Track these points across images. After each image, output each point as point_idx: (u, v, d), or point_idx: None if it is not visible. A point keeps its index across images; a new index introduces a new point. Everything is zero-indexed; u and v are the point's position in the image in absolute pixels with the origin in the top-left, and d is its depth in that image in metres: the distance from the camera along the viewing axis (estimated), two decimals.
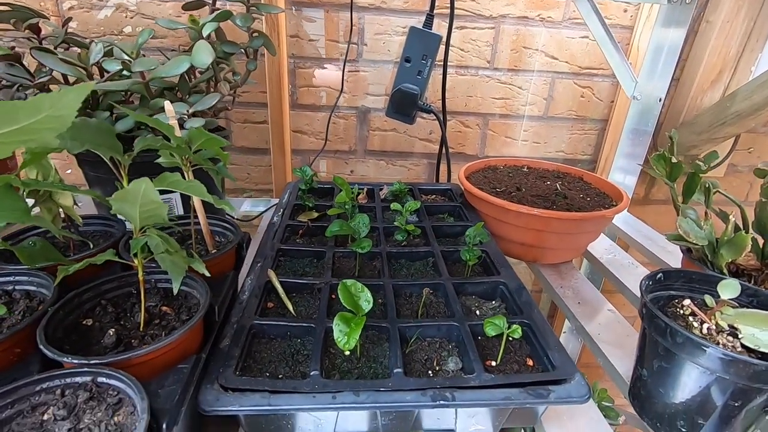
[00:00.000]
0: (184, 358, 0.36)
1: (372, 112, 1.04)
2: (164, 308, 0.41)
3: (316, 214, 0.71)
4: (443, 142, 0.96)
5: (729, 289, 0.40)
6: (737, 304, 0.42)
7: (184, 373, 0.34)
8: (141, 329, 0.38)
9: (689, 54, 1.01)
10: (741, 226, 0.55)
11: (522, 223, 0.68)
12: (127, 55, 0.52)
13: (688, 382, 0.39)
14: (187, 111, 0.52)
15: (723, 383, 0.37)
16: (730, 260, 0.47)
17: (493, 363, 0.44)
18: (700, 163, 0.52)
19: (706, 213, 0.52)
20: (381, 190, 0.82)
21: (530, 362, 0.45)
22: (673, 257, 0.78)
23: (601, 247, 0.82)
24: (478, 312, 0.52)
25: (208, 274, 0.39)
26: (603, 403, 0.85)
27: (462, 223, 0.71)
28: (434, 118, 0.96)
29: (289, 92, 0.99)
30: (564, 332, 1.20)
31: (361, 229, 0.56)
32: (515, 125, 1.08)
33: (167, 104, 0.43)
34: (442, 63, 0.91)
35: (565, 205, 0.72)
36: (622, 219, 0.96)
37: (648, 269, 0.75)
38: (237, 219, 0.90)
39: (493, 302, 0.54)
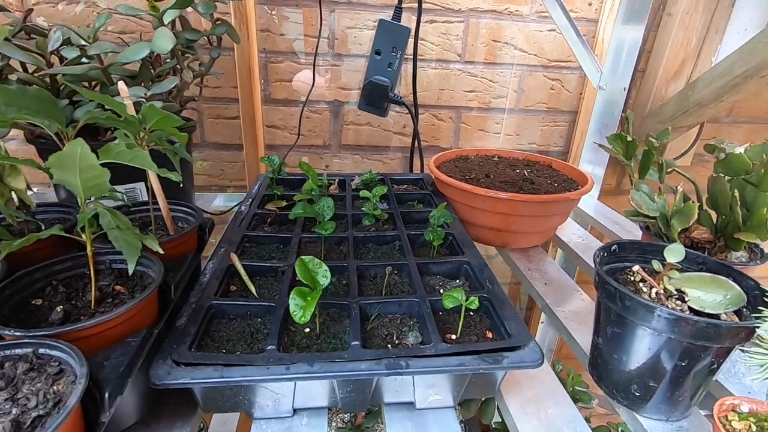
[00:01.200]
0: (134, 333, 0.36)
1: (345, 106, 1.04)
2: (118, 288, 0.40)
3: (284, 203, 0.71)
4: (415, 133, 0.97)
5: (674, 253, 0.41)
6: (684, 269, 0.43)
7: (132, 346, 0.34)
8: (92, 307, 0.38)
9: (653, 46, 1.04)
10: (693, 200, 0.56)
11: (489, 207, 0.69)
12: (84, 40, 0.51)
13: (639, 345, 0.40)
14: (145, 94, 0.52)
15: (670, 344, 0.38)
16: (680, 229, 0.48)
17: (453, 336, 0.45)
18: (653, 140, 0.53)
19: (660, 188, 0.54)
20: (353, 180, 0.82)
21: (489, 335, 0.45)
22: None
23: (570, 231, 0.83)
24: (441, 290, 0.53)
25: (161, 251, 0.39)
26: (576, 387, 0.86)
27: (431, 209, 0.71)
28: (406, 110, 0.97)
29: (261, 87, 0.99)
30: (541, 322, 1.21)
31: (326, 212, 0.56)
32: (488, 118, 1.10)
33: (121, 84, 0.43)
34: (412, 56, 0.93)
35: (531, 190, 0.73)
36: (593, 207, 0.98)
37: None
38: (208, 213, 0.89)
39: (457, 281, 0.55)
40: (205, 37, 0.64)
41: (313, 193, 0.64)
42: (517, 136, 1.12)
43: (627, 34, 0.89)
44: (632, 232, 0.83)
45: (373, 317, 0.46)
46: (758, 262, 0.50)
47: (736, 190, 0.48)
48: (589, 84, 1.05)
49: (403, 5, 0.96)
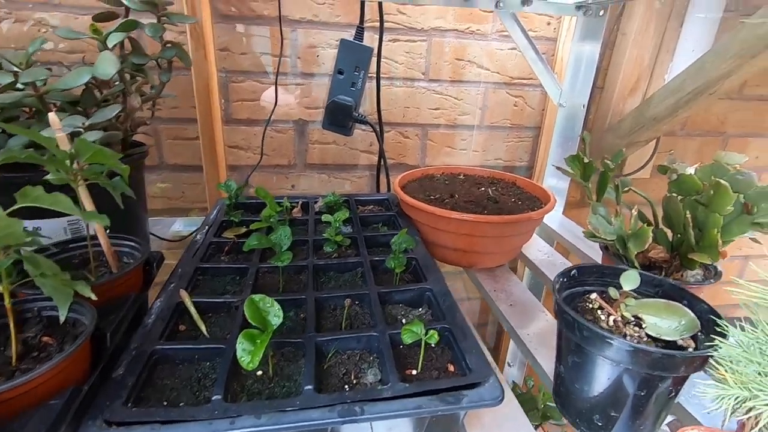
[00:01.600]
0: (61, 391, 0.32)
1: (310, 125, 1.03)
2: (45, 338, 0.37)
3: (243, 230, 0.68)
4: (380, 153, 0.96)
5: (629, 280, 0.41)
6: (639, 296, 0.43)
7: (54, 409, 0.30)
8: (13, 364, 0.34)
9: (610, 63, 1.07)
10: (651, 221, 0.57)
11: (453, 229, 0.68)
12: (16, 66, 0.48)
13: (599, 375, 0.40)
14: (83, 124, 0.49)
15: (629, 374, 0.38)
16: (637, 252, 0.49)
17: (414, 372, 0.43)
18: (608, 162, 0.54)
19: (617, 209, 0.54)
20: (316, 202, 0.80)
21: (451, 367, 0.44)
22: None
23: (536, 249, 0.84)
24: (404, 320, 0.51)
25: (93, 298, 0.36)
26: (548, 404, 0.86)
27: (396, 232, 0.70)
28: (372, 129, 0.96)
29: (222, 107, 0.97)
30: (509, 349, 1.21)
31: (283, 242, 0.54)
32: (455, 135, 1.10)
33: (51, 115, 0.40)
34: (375, 75, 0.92)
35: (496, 210, 0.73)
36: (558, 222, 0.99)
37: None
38: (166, 239, 0.85)
39: (420, 309, 0.53)
40: (155, 60, 0.61)
41: (271, 220, 0.62)
42: (483, 152, 1.13)
43: (584, 53, 0.91)
44: (595, 248, 0.84)
45: (330, 355, 0.44)
46: (712, 280, 0.51)
47: (688, 211, 0.49)
48: (550, 100, 1.07)
49: (366, 24, 0.96)
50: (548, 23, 1.02)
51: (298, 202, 0.80)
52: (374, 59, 0.89)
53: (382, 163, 0.97)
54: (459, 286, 1.26)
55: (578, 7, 0.88)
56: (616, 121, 1.08)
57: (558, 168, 0.64)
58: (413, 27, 0.98)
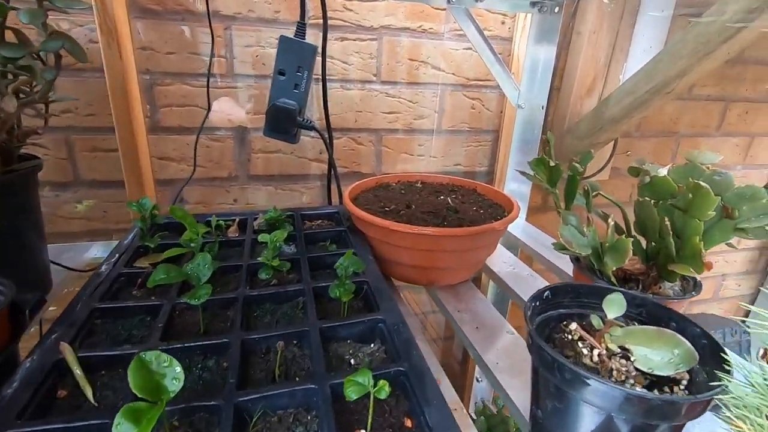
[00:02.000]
0: None
1: (251, 132, 0.93)
2: None
3: (162, 257, 0.57)
4: (330, 161, 0.87)
5: (614, 306, 0.34)
6: (624, 323, 0.37)
7: None
8: None
9: (566, 64, 1.04)
10: (623, 228, 0.52)
11: (411, 244, 0.61)
12: None
13: (584, 424, 0.33)
14: None
15: (621, 422, 0.31)
16: (615, 268, 0.43)
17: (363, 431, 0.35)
18: (577, 165, 0.48)
19: (588, 217, 0.49)
20: (256, 219, 0.70)
21: (408, 422, 0.36)
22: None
23: (500, 260, 0.78)
24: (352, 361, 0.43)
25: None
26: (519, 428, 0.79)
27: (345, 250, 0.62)
28: (319, 135, 0.87)
29: (147, 113, 0.85)
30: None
31: (202, 273, 0.44)
32: (411, 140, 1.03)
33: None
34: (321, 76, 0.84)
35: (456, 220, 0.66)
36: (521, 228, 0.94)
37: (548, 279, 0.71)
38: (77, 270, 0.72)
39: (372, 345, 0.45)
40: (35, 55, 0.50)
41: (192, 244, 0.51)
42: (442, 157, 1.07)
43: (541, 52, 0.87)
44: (563, 256, 0.79)
45: (255, 419, 0.35)
46: (693, 293, 0.46)
47: (666, 218, 0.43)
48: (508, 103, 1.03)
49: (310, 21, 0.88)
50: (503, 22, 0.98)
51: (234, 220, 0.70)
52: (320, 59, 0.81)
53: (333, 172, 0.88)
54: (423, 299, 1.19)
55: (533, 4, 0.84)
56: (574, 122, 1.05)
57: (522, 173, 0.58)
58: (362, 25, 0.91)
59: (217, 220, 0.65)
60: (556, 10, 0.84)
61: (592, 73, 1.02)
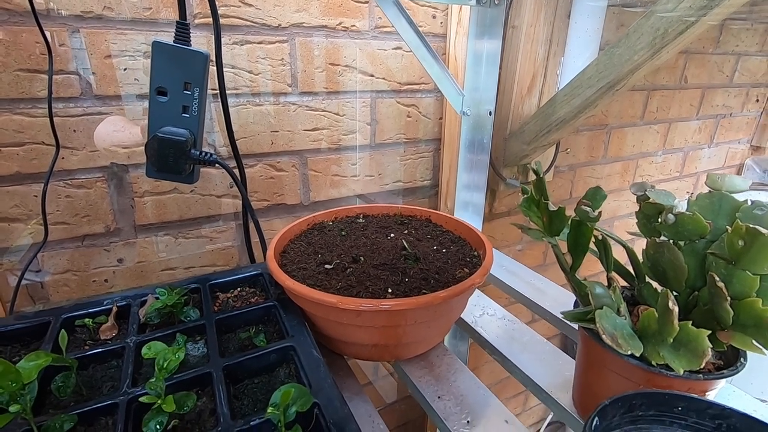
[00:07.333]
0: None
1: (131, 169, 0.70)
2: None
3: None
4: (245, 203, 0.67)
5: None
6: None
7: None
8: None
9: (503, 61, 0.94)
10: (633, 273, 0.41)
11: (368, 322, 0.45)
12: None
13: None
14: None
15: None
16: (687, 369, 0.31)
17: None
18: (587, 210, 0.35)
19: (609, 279, 0.37)
20: (142, 306, 0.49)
21: None
22: (544, 295, 0.65)
23: (479, 308, 0.65)
24: None
25: None
26: None
27: (279, 344, 0.44)
28: (224, 169, 0.67)
29: None
30: None
31: None
32: (341, 159, 0.87)
33: None
34: (218, 90, 0.64)
35: (420, 275, 0.51)
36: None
37: (530, 324, 0.60)
38: None
39: None
40: None
41: (12, 408, 0.30)
42: (379, 176, 0.92)
43: (483, 50, 0.75)
44: (533, 284, 0.69)
45: None
46: (737, 369, 0.36)
47: (714, 274, 0.32)
48: (448, 107, 0.91)
49: (198, 21, 0.67)
50: (434, 16, 0.85)
51: (112, 308, 0.49)
52: (214, 69, 0.61)
53: (249, 214, 0.69)
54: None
55: None
56: (518, 125, 0.96)
57: (518, 226, 0.44)
58: (267, 24, 0.72)
59: (84, 321, 0.44)
60: (497, 1, 0.72)
61: (531, 69, 0.93)
